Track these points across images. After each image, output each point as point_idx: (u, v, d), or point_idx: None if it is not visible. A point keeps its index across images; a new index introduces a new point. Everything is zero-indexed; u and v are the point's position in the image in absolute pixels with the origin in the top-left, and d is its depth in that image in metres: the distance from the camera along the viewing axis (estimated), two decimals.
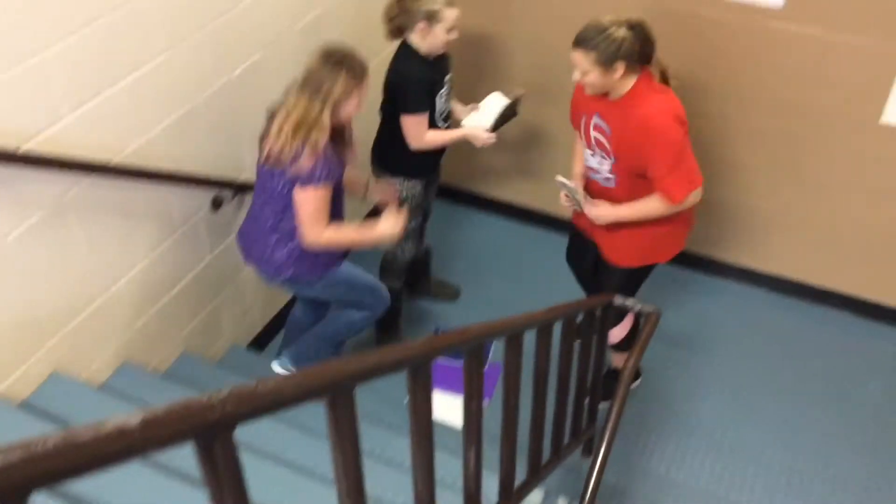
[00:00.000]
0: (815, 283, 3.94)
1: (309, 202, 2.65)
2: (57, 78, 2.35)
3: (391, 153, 3.33)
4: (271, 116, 2.72)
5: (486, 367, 3.54)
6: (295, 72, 3.39)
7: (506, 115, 3.38)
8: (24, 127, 2.30)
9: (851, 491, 3.21)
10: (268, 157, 2.65)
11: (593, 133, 2.84)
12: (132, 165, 2.67)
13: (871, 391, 3.58)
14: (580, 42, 2.61)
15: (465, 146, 3.40)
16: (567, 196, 3.02)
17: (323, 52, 2.70)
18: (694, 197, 2.80)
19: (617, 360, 3.44)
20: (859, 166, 3.48)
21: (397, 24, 3.11)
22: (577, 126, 2.96)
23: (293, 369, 3.43)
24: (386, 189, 3.29)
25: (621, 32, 2.56)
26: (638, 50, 2.60)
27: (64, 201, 2.50)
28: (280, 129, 2.60)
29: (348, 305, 3.11)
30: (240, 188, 3.23)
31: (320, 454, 2.62)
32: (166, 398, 2.80)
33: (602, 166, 2.87)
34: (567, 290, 3.42)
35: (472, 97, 3.50)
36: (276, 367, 3.31)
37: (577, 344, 2.55)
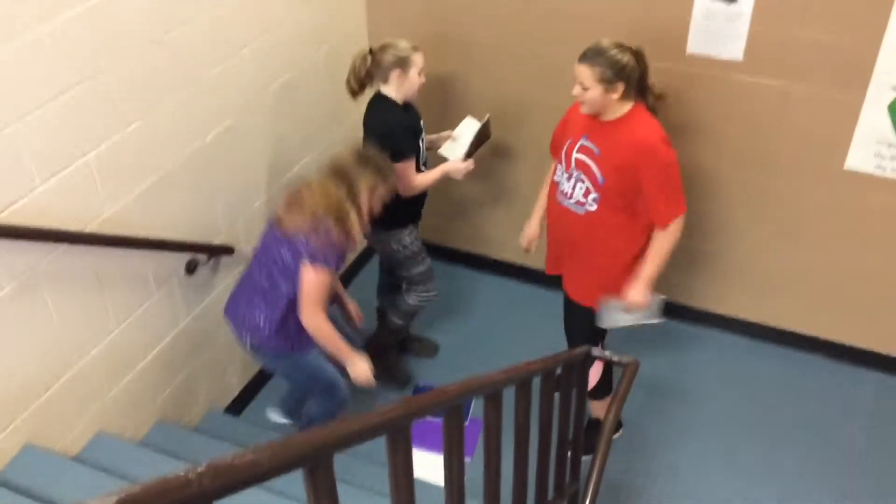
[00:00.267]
0: (792, 328, 3.97)
1: (314, 281, 2.73)
2: (28, 149, 2.35)
3: (390, 209, 3.22)
4: (294, 192, 2.82)
5: (467, 422, 3.52)
6: (268, 134, 3.44)
7: (480, 138, 3.45)
8: None
9: None
10: (284, 226, 2.74)
11: (576, 155, 2.88)
12: (105, 233, 2.67)
13: (851, 435, 3.59)
14: (586, 57, 2.70)
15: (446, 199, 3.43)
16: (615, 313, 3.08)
17: (354, 149, 2.87)
18: (680, 222, 2.86)
19: (595, 408, 3.43)
20: (827, 211, 3.54)
21: (364, 80, 3.20)
22: (557, 151, 3.00)
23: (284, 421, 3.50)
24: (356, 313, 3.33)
25: (626, 56, 2.68)
26: (637, 76, 2.72)
27: (36, 271, 2.49)
28: (304, 206, 2.72)
29: (305, 391, 3.17)
30: (215, 251, 3.23)
31: None
32: (143, 468, 2.76)
33: (576, 190, 2.89)
34: (552, 342, 3.41)
35: (441, 128, 3.58)
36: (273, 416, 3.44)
37: (556, 396, 2.55)
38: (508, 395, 1.97)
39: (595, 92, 2.70)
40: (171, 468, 0.91)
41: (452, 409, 1.68)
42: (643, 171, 2.74)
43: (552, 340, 3.37)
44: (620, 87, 2.69)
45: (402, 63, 3.14)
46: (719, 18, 3.25)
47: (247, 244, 3.46)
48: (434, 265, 3.61)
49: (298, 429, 3.36)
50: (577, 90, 2.75)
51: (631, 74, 2.70)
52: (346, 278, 4.35)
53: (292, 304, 2.82)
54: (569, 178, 2.92)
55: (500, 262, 4.45)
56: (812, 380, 3.87)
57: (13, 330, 2.47)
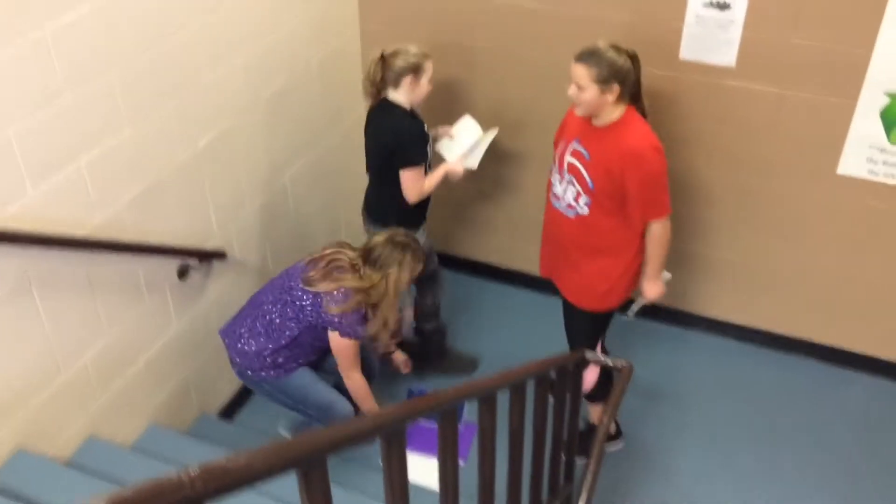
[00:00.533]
0: (783, 331, 3.98)
1: (348, 348, 2.95)
2: (20, 154, 2.34)
3: (399, 212, 3.32)
4: (331, 258, 2.93)
5: (461, 426, 3.51)
6: (261, 140, 3.43)
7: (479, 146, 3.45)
8: None
9: None
10: (315, 285, 2.89)
11: (568, 158, 2.89)
12: (97, 238, 2.66)
13: (842, 438, 3.60)
14: (583, 57, 2.70)
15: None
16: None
17: (389, 236, 2.96)
18: (664, 225, 2.89)
19: (594, 412, 3.43)
20: (819, 216, 3.55)
21: (380, 85, 3.19)
22: (556, 151, 3.02)
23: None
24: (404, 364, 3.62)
25: (622, 58, 2.69)
26: (633, 80, 2.73)
27: (28, 276, 2.48)
28: (341, 279, 2.87)
29: (296, 411, 3.19)
30: (207, 256, 3.22)
31: None
32: (135, 472, 2.75)
33: (567, 194, 2.90)
34: (553, 347, 3.38)
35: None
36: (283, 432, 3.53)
37: (550, 400, 2.55)
38: (504, 401, 1.97)
39: (591, 92, 2.70)
40: (163, 472, 0.90)
41: (447, 413, 1.67)
42: (629, 177, 2.74)
43: (553, 345, 3.35)
44: (616, 88, 2.69)
45: (415, 69, 3.14)
46: (712, 25, 3.26)
47: (239, 249, 3.45)
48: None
49: None
50: (572, 90, 2.75)
51: (626, 77, 2.70)
52: None
53: (291, 343, 2.96)
54: (560, 181, 2.93)
55: (500, 268, 4.44)
56: (805, 383, 3.88)
57: (4, 335, 2.46)
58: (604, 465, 2.56)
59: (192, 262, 3.15)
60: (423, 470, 3.14)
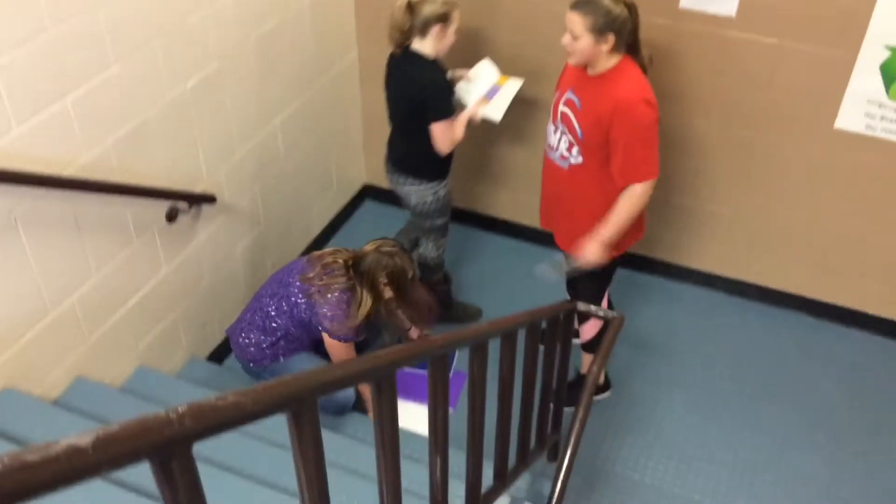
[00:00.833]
0: (773, 285, 3.99)
1: (342, 348, 3.01)
2: (5, 90, 2.29)
3: (425, 163, 3.34)
4: (330, 264, 3.00)
5: (451, 374, 3.52)
6: (251, 82, 3.37)
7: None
8: None
9: (813, 489, 3.25)
10: (312, 288, 2.97)
11: (562, 108, 2.85)
12: (84, 178, 2.61)
13: (828, 391, 3.63)
14: (579, 5, 2.64)
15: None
16: (553, 269, 3.11)
17: (377, 247, 3.01)
18: (647, 187, 2.78)
19: (587, 364, 3.43)
20: (814, 171, 3.53)
21: (408, 34, 3.13)
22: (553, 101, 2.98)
23: None
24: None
25: (619, 7, 2.61)
26: (630, 30, 2.66)
27: (13, 216, 2.44)
28: (334, 286, 2.95)
29: None
30: (196, 200, 3.18)
31: (283, 465, 2.58)
32: (123, 413, 2.74)
33: (561, 144, 2.87)
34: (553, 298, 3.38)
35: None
36: None
37: (541, 349, 2.55)
38: (494, 350, 1.96)
39: (585, 41, 2.64)
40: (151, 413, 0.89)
41: (438, 359, 1.66)
42: (616, 127, 2.68)
43: (558, 299, 3.35)
44: (611, 38, 2.63)
45: (444, 18, 3.08)
46: None
47: (229, 193, 3.41)
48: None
49: None
50: (566, 39, 2.69)
51: (622, 26, 2.64)
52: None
53: (285, 336, 3.07)
54: (555, 131, 2.90)
55: (507, 222, 4.40)
56: (794, 337, 3.90)
57: None
58: (591, 414, 2.57)
59: (182, 205, 3.11)
60: (412, 416, 3.16)
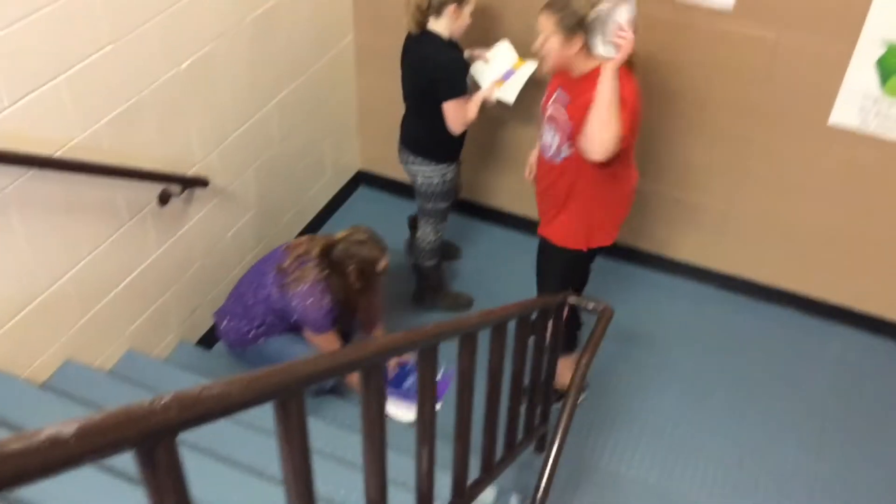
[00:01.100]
0: (763, 280, 4.00)
1: (323, 341, 3.08)
2: None
3: (437, 144, 3.38)
4: (303, 252, 3.03)
5: (440, 376, 3.51)
6: (246, 64, 3.35)
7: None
8: None
9: (799, 483, 3.27)
10: (284, 276, 3.00)
11: (551, 107, 2.84)
12: (76, 159, 2.60)
13: (816, 387, 3.65)
14: (547, 6, 2.63)
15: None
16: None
17: (347, 235, 3.03)
18: (613, 144, 2.54)
19: (560, 373, 3.23)
20: (807, 166, 3.53)
21: (427, 14, 3.15)
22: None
23: None
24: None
25: (586, 7, 2.57)
26: None
27: (4, 196, 2.42)
28: (306, 274, 2.97)
29: None
30: (188, 183, 3.16)
31: (269, 452, 2.58)
32: (111, 397, 2.74)
33: (553, 141, 2.85)
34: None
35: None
36: None
37: (531, 341, 2.55)
38: (483, 341, 1.96)
39: (554, 41, 2.62)
40: (140, 398, 0.89)
41: (427, 350, 1.66)
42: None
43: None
44: (579, 40, 2.59)
45: (461, 1, 3.10)
46: None
47: (222, 176, 3.40)
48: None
49: None
50: (537, 43, 2.68)
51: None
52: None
53: (263, 324, 3.11)
54: (547, 131, 2.89)
55: (504, 212, 4.40)
56: (783, 332, 3.91)
57: None
58: (578, 406, 2.57)
59: (174, 188, 3.10)
60: (393, 403, 3.18)
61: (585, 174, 2.84)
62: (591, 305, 2.84)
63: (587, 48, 2.61)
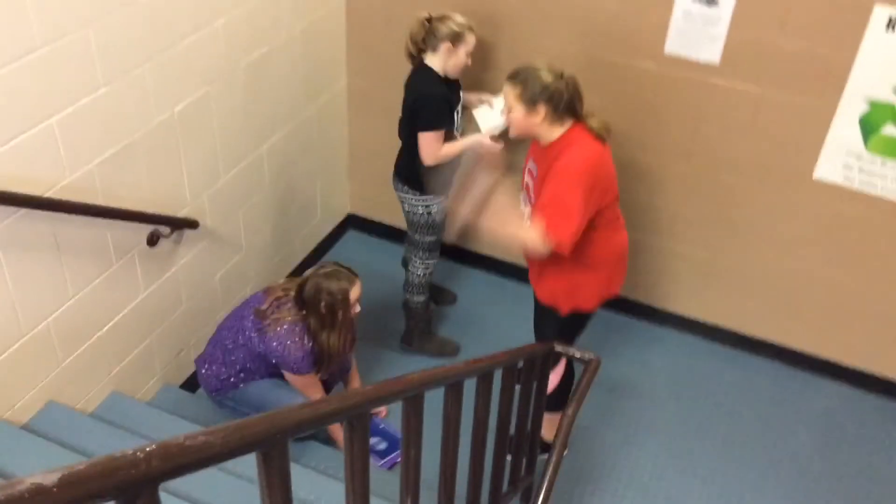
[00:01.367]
0: (750, 333, 4.01)
1: (301, 383, 3.04)
2: None
3: (418, 174, 3.41)
4: (281, 295, 3.03)
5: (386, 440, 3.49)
6: (239, 109, 3.38)
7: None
8: None
9: None
10: (262, 319, 2.99)
11: (526, 175, 2.89)
12: (66, 199, 2.60)
13: (801, 442, 3.64)
14: (510, 76, 2.67)
15: None
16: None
17: (317, 271, 3.01)
18: (545, 244, 2.58)
19: (547, 427, 3.22)
20: (792, 220, 3.57)
21: (421, 46, 3.23)
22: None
23: None
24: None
25: (549, 78, 2.61)
26: (565, 100, 2.63)
27: None
28: (282, 316, 2.97)
29: None
30: (178, 224, 3.17)
31: (249, 499, 2.55)
32: (93, 440, 2.71)
33: (526, 210, 2.89)
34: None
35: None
36: None
37: (517, 390, 2.54)
38: (469, 390, 1.96)
39: (517, 112, 2.66)
40: (122, 442, 0.89)
41: (412, 399, 1.66)
42: (548, 182, 2.64)
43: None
44: (542, 109, 2.62)
45: (455, 38, 3.17)
46: (699, 20, 3.26)
47: (212, 218, 3.41)
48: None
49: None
50: (504, 110, 2.75)
51: (555, 97, 2.60)
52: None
53: (243, 370, 3.08)
54: (523, 199, 2.93)
55: (495, 259, 4.40)
56: (769, 385, 3.91)
57: None
58: (564, 457, 2.56)
59: (164, 229, 3.10)
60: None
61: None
62: (578, 355, 2.84)
63: (550, 118, 2.64)
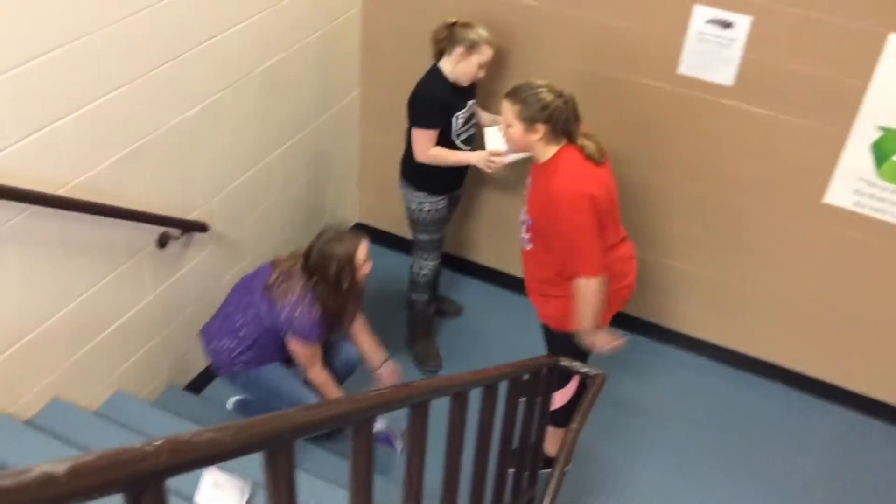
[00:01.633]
0: (758, 355, 3.99)
1: (303, 351, 2.99)
2: (6, 106, 2.30)
3: (412, 170, 3.49)
4: (287, 262, 2.99)
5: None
6: (253, 114, 3.40)
7: None
8: None
9: None
10: (271, 289, 2.94)
11: (526, 192, 2.90)
12: (78, 198, 2.61)
13: (806, 465, 3.62)
14: (510, 94, 2.67)
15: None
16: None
17: (322, 233, 2.96)
18: (590, 285, 2.71)
19: (550, 442, 3.24)
20: (801, 243, 3.56)
21: (441, 47, 3.27)
22: None
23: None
24: (390, 374, 3.31)
25: (550, 97, 2.61)
26: (563, 120, 2.63)
27: (3, 231, 2.43)
28: (291, 282, 2.92)
29: (267, 405, 3.16)
30: (188, 227, 3.18)
31: (254, 501, 2.55)
32: (97, 438, 2.72)
33: (523, 227, 2.90)
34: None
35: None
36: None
37: (521, 402, 2.54)
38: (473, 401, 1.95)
39: (515, 130, 2.67)
40: (125, 441, 0.88)
41: (417, 406, 1.66)
42: (550, 221, 2.69)
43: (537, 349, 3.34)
44: (541, 128, 2.62)
45: (470, 46, 3.20)
46: (713, 42, 3.27)
47: (222, 222, 3.42)
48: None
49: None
50: (502, 126, 2.76)
51: (555, 116, 2.61)
52: None
53: (253, 345, 3.03)
54: (522, 215, 2.94)
55: (497, 270, 4.41)
56: (775, 408, 3.89)
57: None
58: (567, 471, 2.55)
59: (174, 231, 3.11)
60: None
61: (547, 269, 2.86)
62: (583, 370, 2.84)
63: (547, 137, 2.65)
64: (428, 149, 3.34)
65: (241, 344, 3.04)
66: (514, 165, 3.38)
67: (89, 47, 2.49)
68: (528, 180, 2.88)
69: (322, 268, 2.89)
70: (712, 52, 3.28)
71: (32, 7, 2.28)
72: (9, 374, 2.65)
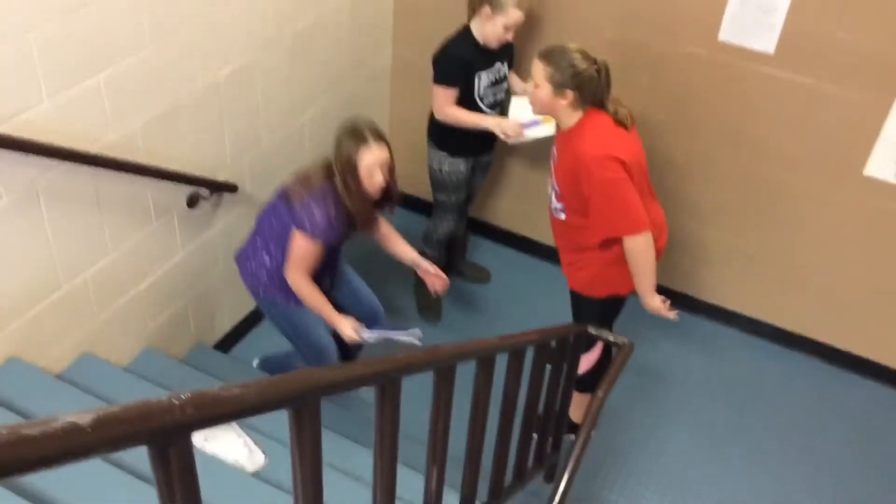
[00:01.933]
0: (788, 327, 3.95)
1: (301, 246, 2.74)
2: (40, 61, 2.30)
3: (434, 127, 3.51)
4: (304, 169, 2.86)
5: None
6: (285, 75, 3.38)
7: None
8: (1, 108, 2.25)
9: None
10: (290, 195, 2.76)
11: (551, 162, 2.86)
12: (109, 156, 2.62)
13: (836, 438, 3.59)
14: (543, 55, 2.61)
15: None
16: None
17: (342, 124, 2.77)
18: (638, 241, 2.68)
19: (575, 408, 3.26)
20: (839, 215, 3.50)
21: (473, 6, 3.23)
22: None
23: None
24: (435, 280, 3.10)
25: (584, 64, 2.55)
26: (593, 88, 2.59)
27: (36, 187, 2.45)
28: (307, 180, 2.76)
29: (290, 341, 3.15)
30: (218, 187, 3.18)
31: (279, 460, 2.58)
32: (125, 393, 2.75)
33: (553, 195, 2.87)
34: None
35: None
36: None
37: (547, 369, 2.53)
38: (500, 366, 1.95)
39: (543, 92, 2.61)
40: (154, 396, 0.88)
41: (443, 370, 1.65)
42: (583, 184, 2.64)
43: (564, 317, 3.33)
44: (570, 94, 2.57)
45: (495, 6, 3.13)
46: (755, 9, 3.19)
47: (251, 183, 3.42)
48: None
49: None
50: (529, 86, 2.68)
51: (585, 84, 2.56)
52: None
53: (277, 267, 2.86)
54: (550, 185, 2.90)
55: (525, 237, 4.40)
56: (805, 381, 3.86)
57: (7, 242, 2.44)
58: (592, 436, 2.54)
59: (203, 191, 3.12)
60: None
61: (583, 234, 2.82)
62: (611, 338, 2.82)
63: (575, 104, 2.60)
64: (445, 107, 3.33)
65: (272, 258, 2.88)
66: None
67: (119, 4, 2.48)
68: (554, 152, 2.84)
69: (336, 160, 2.72)
70: (754, 18, 3.20)
71: None
72: (40, 328, 2.68)
